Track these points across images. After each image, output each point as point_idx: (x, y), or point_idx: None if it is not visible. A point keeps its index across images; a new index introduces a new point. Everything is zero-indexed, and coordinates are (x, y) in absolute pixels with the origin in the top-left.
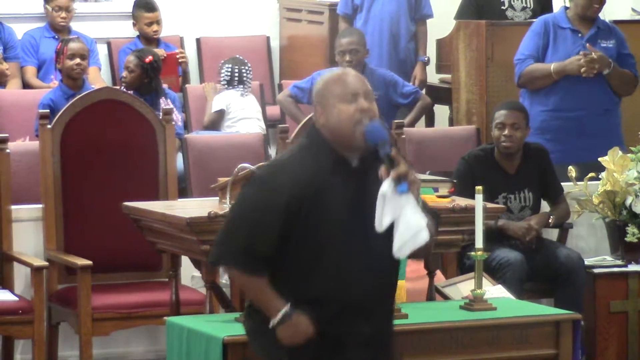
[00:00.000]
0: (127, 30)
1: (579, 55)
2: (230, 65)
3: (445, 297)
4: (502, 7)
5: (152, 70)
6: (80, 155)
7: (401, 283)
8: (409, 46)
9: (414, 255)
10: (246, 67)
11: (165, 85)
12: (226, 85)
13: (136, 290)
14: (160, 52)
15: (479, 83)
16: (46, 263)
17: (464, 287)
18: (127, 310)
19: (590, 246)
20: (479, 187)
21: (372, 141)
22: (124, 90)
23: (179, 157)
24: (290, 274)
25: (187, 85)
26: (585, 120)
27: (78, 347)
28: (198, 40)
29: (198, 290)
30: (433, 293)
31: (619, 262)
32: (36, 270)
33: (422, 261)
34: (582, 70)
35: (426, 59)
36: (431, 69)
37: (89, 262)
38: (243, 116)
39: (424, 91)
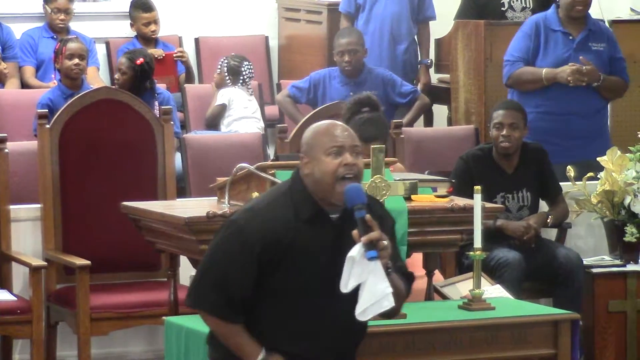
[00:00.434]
0: (125, 30)
1: (570, 65)
2: (228, 60)
3: (444, 297)
4: (502, 9)
5: (144, 72)
6: (79, 155)
7: None
8: (410, 48)
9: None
10: (248, 63)
11: (163, 85)
12: (230, 81)
13: (135, 290)
14: (158, 52)
15: (478, 83)
16: (45, 263)
17: (462, 286)
18: (125, 310)
19: (589, 246)
20: (477, 187)
21: (349, 203)
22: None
23: (178, 157)
24: (261, 322)
25: (186, 85)
26: (573, 122)
27: (76, 346)
28: (197, 40)
29: None
30: (432, 293)
31: (618, 261)
32: (35, 270)
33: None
34: (570, 79)
35: (429, 61)
36: (430, 68)
37: (88, 262)
38: (243, 115)
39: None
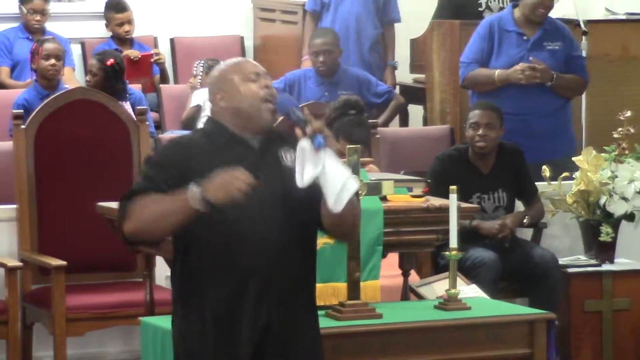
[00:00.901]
0: (101, 31)
1: (521, 65)
2: (205, 61)
3: (420, 297)
4: (480, 9)
5: (115, 72)
6: (55, 156)
7: (375, 283)
8: (375, 49)
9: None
10: None
11: (139, 86)
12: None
13: (110, 290)
14: (134, 53)
15: (453, 83)
16: (20, 263)
17: (438, 286)
18: (101, 311)
19: (565, 246)
20: (453, 187)
21: (284, 110)
22: None
23: None
24: (189, 261)
25: (161, 85)
26: (532, 122)
27: (52, 347)
28: (172, 40)
29: None
30: (407, 293)
31: (593, 261)
32: (10, 271)
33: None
34: (521, 77)
35: (395, 62)
36: (405, 68)
37: (63, 263)
38: None
39: (397, 90)
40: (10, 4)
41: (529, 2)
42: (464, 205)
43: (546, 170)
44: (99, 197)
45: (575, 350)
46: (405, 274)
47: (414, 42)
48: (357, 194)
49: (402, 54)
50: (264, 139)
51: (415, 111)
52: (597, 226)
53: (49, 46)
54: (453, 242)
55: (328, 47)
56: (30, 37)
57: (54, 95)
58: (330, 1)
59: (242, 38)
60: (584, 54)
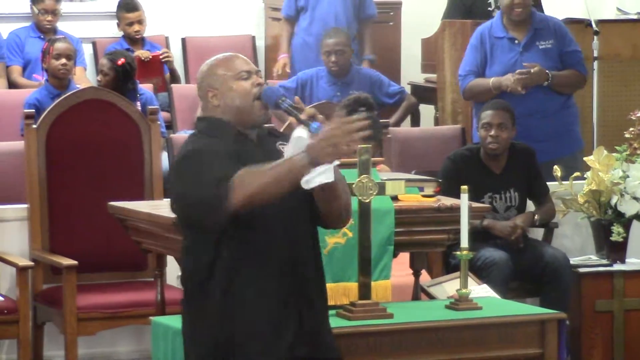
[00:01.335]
0: (112, 30)
1: (515, 74)
2: None
3: (431, 297)
4: (489, 8)
5: (125, 72)
6: (66, 155)
7: (386, 282)
8: (354, 47)
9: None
10: None
11: (150, 86)
12: None
13: (122, 290)
14: (145, 54)
15: None
16: (31, 263)
17: (449, 286)
18: (112, 310)
19: (576, 245)
20: (464, 187)
21: (270, 100)
22: None
23: (164, 157)
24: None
25: (172, 85)
26: (533, 125)
27: (63, 347)
28: (183, 40)
29: None
30: (418, 292)
31: (604, 261)
32: (21, 270)
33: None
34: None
35: (372, 57)
36: (416, 68)
37: (74, 262)
38: None
39: (409, 90)
40: (22, 3)
41: (505, 3)
42: (475, 205)
43: (557, 170)
44: (110, 196)
45: (586, 350)
46: (416, 274)
47: (425, 42)
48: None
49: (413, 53)
50: (259, 133)
51: (427, 111)
52: (609, 226)
53: (60, 46)
54: (464, 241)
55: (340, 47)
56: (41, 37)
57: (65, 95)
58: (307, 4)
59: (253, 37)
60: (595, 53)
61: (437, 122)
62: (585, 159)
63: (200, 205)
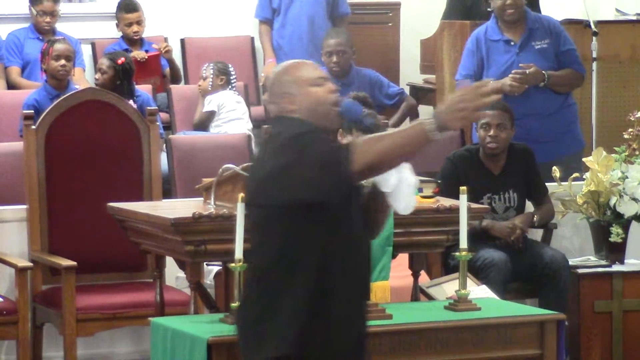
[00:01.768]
0: (111, 31)
1: (510, 76)
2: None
3: (430, 298)
4: (488, 9)
5: (125, 72)
6: (65, 156)
7: (385, 283)
8: None
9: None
10: (231, 67)
11: (149, 86)
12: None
13: (121, 290)
14: (141, 54)
15: None
16: (30, 264)
17: (448, 287)
18: (111, 311)
19: (575, 246)
20: (463, 188)
21: (351, 116)
22: None
23: (163, 158)
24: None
25: (171, 86)
26: (533, 126)
27: (62, 347)
28: (182, 41)
29: (182, 291)
30: (417, 293)
31: (603, 262)
32: (20, 271)
33: (407, 262)
34: (513, 90)
35: None
36: (415, 69)
37: (73, 263)
38: (234, 117)
39: (407, 91)
40: (21, 4)
41: (497, 5)
42: (474, 206)
43: (556, 171)
44: (109, 197)
45: (585, 351)
46: (415, 275)
47: (424, 43)
48: None
49: (412, 54)
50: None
51: (426, 112)
52: (608, 227)
53: (59, 47)
54: (463, 242)
55: (341, 47)
56: (40, 38)
57: (64, 96)
58: (280, 6)
59: (252, 39)
60: (594, 54)
61: None
62: (584, 159)
63: (323, 172)
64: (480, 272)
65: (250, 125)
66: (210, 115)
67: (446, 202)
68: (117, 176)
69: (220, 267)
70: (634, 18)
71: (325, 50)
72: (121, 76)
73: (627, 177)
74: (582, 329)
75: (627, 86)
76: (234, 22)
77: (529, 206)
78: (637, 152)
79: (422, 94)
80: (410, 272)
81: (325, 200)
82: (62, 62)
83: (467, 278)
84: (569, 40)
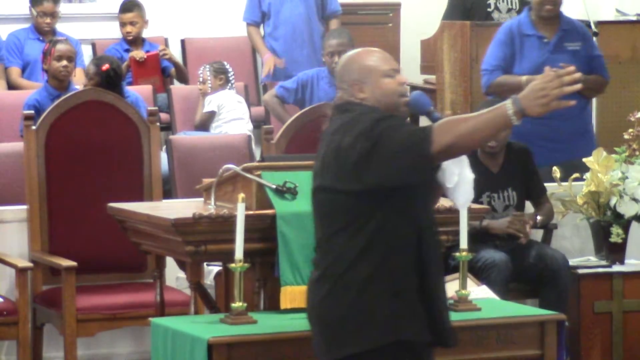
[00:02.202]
0: (111, 31)
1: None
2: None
3: None
4: (488, 9)
5: (109, 78)
6: (65, 156)
7: None
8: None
9: None
10: (229, 67)
11: (149, 86)
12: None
13: (121, 291)
14: (140, 54)
15: (464, 84)
16: (31, 264)
17: (448, 287)
18: (111, 311)
19: (575, 247)
20: None
21: (420, 109)
22: None
23: (164, 158)
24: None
25: (172, 86)
26: (555, 124)
27: (63, 348)
28: (183, 42)
29: (183, 291)
30: None
31: (604, 262)
32: (21, 271)
33: None
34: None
35: None
36: (415, 69)
37: (74, 263)
38: (235, 117)
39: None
40: (21, 5)
41: (535, 0)
42: (474, 206)
43: (556, 171)
44: (109, 197)
45: (586, 352)
46: None
47: (424, 44)
48: None
49: (412, 55)
50: None
51: None
52: (608, 227)
53: (61, 47)
54: (463, 243)
55: (344, 47)
56: (40, 38)
57: (65, 96)
58: (270, 9)
59: None
60: None
61: None
62: (584, 159)
63: (407, 154)
64: (481, 272)
65: (250, 126)
66: (211, 115)
67: (446, 202)
68: (117, 176)
69: (221, 268)
70: (634, 18)
71: (327, 51)
72: (105, 82)
73: (627, 178)
74: (582, 329)
75: (627, 86)
76: (234, 23)
77: (529, 206)
78: (637, 153)
79: None
80: None
81: (412, 181)
82: (64, 62)
83: (468, 278)
84: (597, 46)
